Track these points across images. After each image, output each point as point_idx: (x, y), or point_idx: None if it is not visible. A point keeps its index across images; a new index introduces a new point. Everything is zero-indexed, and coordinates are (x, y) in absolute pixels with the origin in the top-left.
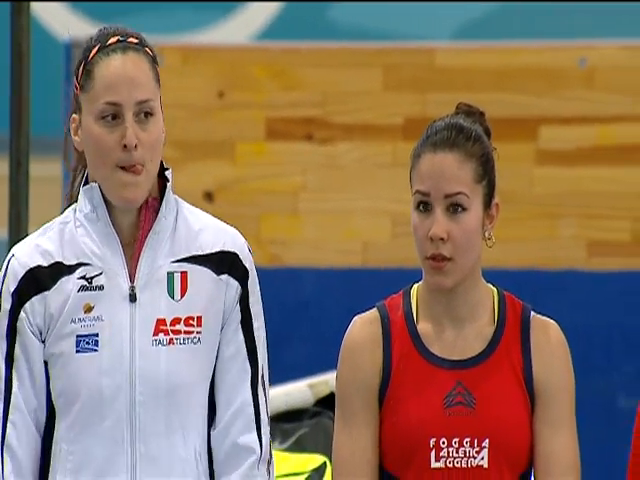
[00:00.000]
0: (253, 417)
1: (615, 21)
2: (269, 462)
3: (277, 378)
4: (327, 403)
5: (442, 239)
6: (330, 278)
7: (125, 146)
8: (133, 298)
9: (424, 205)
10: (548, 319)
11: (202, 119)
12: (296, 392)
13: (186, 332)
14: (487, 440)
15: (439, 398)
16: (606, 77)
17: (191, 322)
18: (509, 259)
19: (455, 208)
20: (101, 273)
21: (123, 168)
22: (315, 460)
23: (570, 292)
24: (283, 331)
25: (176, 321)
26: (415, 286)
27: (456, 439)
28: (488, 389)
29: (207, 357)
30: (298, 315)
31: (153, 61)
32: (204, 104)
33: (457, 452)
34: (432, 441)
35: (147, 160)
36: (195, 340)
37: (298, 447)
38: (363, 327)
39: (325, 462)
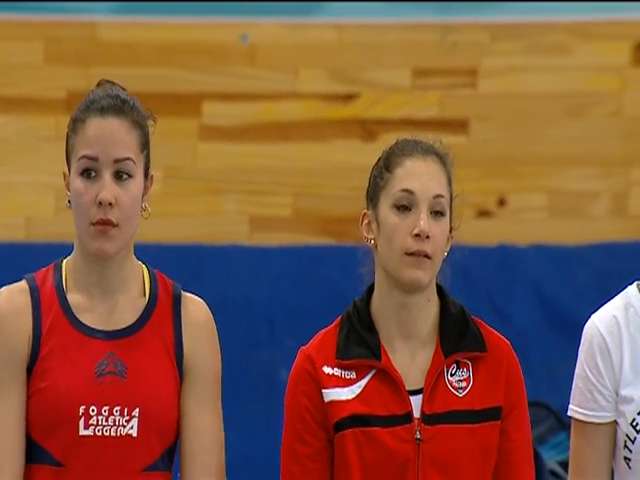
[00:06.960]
0: None
1: None
2: None
3: None
4: None
5: (110, 204)
6: None
7: None
8: None
9: (88, 172)
10: (196, 297)
11: None
12: None
13: None
14: (137, 409)
15: (90, 367)
16: (267, 54)
17: None
18: (173, 234)
19: (121, 175)
20: None
21: None
22: None
23: (233, 267)
24: None
25: None
26: (65, 260)
27: (106, 407)
28: (140, 360)
29: None
30: None
31: None
32: None
33: (107, 420)
34: (82, 409)
35: None
36: None
37: None
38: (11, 297)
39: None
